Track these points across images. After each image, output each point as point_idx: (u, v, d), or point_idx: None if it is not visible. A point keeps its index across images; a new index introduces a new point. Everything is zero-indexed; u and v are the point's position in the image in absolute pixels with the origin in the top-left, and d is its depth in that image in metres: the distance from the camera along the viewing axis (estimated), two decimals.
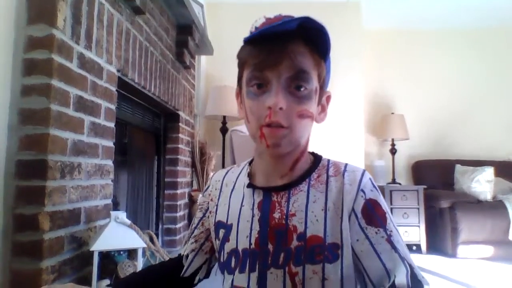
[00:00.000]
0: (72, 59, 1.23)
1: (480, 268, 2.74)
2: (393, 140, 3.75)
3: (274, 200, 0.68)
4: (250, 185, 0.72)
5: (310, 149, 0.75)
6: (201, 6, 2.77)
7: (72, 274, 1.24)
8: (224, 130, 3.17)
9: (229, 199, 0.75)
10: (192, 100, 2.80)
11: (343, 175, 0.68)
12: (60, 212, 1.17)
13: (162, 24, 2.11)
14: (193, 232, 0.82)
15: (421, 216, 3.24)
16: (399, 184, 3.61)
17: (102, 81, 1.43)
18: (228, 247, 0.71)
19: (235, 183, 0.77)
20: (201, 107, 3.31)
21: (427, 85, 3.96)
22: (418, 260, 2.87)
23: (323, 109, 0.72)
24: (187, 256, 0.80)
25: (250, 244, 0.68)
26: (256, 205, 0.69)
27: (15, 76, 1.11)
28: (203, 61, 3.37)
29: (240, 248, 0.69)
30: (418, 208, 3.25)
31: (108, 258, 1.36)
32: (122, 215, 1.35)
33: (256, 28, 0.66)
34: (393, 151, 3.77)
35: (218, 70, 3.49)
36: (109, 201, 1.50)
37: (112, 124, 1.52)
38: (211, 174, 2.72)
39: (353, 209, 0.65)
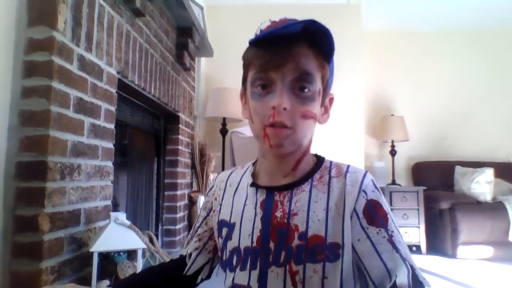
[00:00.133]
0: (73, 61, 1.23)
1: (480, 269, 2.74)
2: (393, 141, 3.75)
3: (276, 199, 0.69)
4: (254, 184, 0.73)
5: (311, 150, 0.75)
6: (201, 8, 2.78)
7: (72, 275, 1.24)
8: (224, 132, 3.18)
9: (233, 199, 0.76)
10: (192, 102, 2.80)
11: (345, 176, 0.69)
12: (60, 213, 1.18)
13: (162, 26, 2.12)
14: (196, 231, 0.83)
15: (421, 217, 3.24)
16: (399, 185, 3.61)
17: (102, 83, 1.43)
18: (231, 245, 0.72)
19: (239, 183, 0.78)
20: (201, 109, 3.31)
21: (427, 86, 3.96)
22: (418, 261, 2.86)
23: (326, 111, 0.74)
24: (190, 254, 0.81)
25: (252, 242, 0.68)
26: (259, 204, 0.70)
27: (16, 78, 1.12)
28: (203, 63, 3.38)
29: (242, 247, 0.70)
30: (418, 209, 3.25)
31: (108, 259, 1.37)
32: (122, 216, 1.35)
33: (261, 30, 0.67)
34: (393, 153, 3.77)
35: (218, 72, 3.49)
36: (109, 202, 1.50)
37: (112, 126, 1.52)
38: (211, 175, 2.73)
39: (354, 209, 0.66)
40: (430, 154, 3.87)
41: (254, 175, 0.76)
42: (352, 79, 3.46)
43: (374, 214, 0.66)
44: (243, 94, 0.73)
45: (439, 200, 3.20)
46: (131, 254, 1.41)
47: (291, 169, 0.70)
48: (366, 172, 0.70)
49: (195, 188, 2.81)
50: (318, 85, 0.67)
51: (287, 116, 0.63)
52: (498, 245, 2.99)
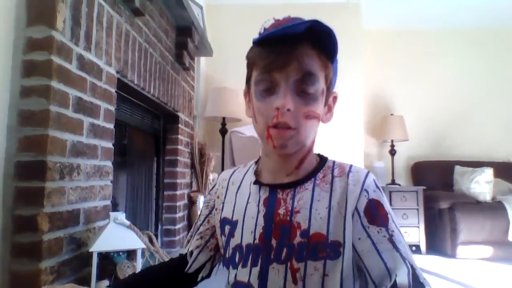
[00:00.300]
0: (72, 61, 1.23)
1: (479, 269, 2.75)
2: (392, 141, 3.75)
3: (279, 197, 0.70)
4: (257, 182, 0.74)
5: (314, 149, 0.76)
6: (201, 7, 2.78)
7: (71, 275, 1.24)
8: (223, 131, 3.18)
9: (235, 197, 0.77)
10: (192, 102, 2.80)
11: (348, 175, 0.70)
12: (59, 213, 1.18)
13: (162, 26, 2.12)
14: (198, 229, 0.83)
15: (420, 217, 3.24)
16: (399, 185, 3.62)
17: (102, 83, 1.43)
18: (233, 242, 0.72)
19: (241, 181, 0.78)
20: (201, 109, 3.31)
21: (426, 86, 3.97)
22: (418, 261, 2.87)
23: (330, 110, 0.74)
24: (191, 252, 0.81)
25: (254, 239, 0.69)
26: (262, 202, 0.71)
27: (15, 77, 1.12)
28: (202, 63, 3.38)
29: (244, 244, 0.70)
30: (418, 209, 3.26)
31: (107, 259, 1.36)
32: (121, 216, 1.35)
33: (265, 29, 0.67)
34: (392, 152, 3.77)
35: (217, 72, 3.49)
36: (108, 202, 1.50)
37: (111, 125, 1.52)
38: (211, 175, 2.73)
39: (356, 208, 0.66)
40: (429, 154, 3.87)
41: (257, 173, 0.76)
42: (352, 78, 3.46)
43: (375, 214, 0.66)
44: (247, 92, 0.74)
45: (438, 200, 3.20)
46: (130, 254, 1.40)
47: (294, 168, 0.71)
48: (368, 172, 0.71)
49: (194, 188, 2.81)
50: (321, 85, 0.67)
51: (291, 117, 0.64)
52: (498, 244, 2.99)
